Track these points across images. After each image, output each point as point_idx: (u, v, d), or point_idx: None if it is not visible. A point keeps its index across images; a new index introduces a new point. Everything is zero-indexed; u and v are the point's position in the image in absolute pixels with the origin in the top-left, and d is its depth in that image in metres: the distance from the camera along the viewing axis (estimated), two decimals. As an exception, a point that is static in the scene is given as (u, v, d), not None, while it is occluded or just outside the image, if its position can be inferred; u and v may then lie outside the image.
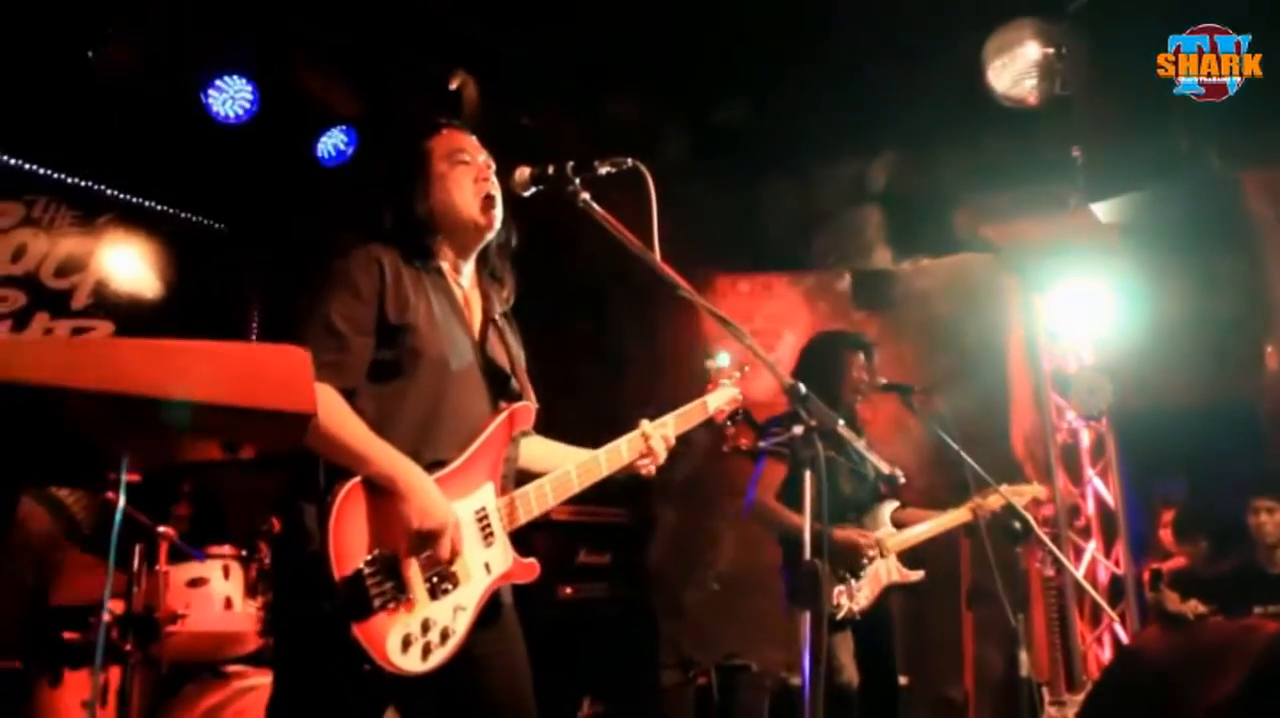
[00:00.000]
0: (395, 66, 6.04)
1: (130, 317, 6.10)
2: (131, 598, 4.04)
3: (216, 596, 4.46)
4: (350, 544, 2.38)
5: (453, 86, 6.07)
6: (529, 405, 2.82)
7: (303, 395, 1.51)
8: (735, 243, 7.34)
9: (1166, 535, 6.42)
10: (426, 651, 2.44)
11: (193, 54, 5.77)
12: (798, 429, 2.50)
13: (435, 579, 2.49)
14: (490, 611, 2.63)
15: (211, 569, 4.49)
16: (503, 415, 2.72)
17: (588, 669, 6.29)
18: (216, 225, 6.61)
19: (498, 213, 2.82)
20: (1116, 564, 6.96)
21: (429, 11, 5.79)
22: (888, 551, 4.73)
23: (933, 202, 6.75)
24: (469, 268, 2.88)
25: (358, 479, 2.41)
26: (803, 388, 2.48)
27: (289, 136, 6.22)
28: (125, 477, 1.80)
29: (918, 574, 4.83)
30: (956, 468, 4.77)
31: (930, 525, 4.86)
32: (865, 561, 4.63)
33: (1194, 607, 5.26)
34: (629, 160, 2.80)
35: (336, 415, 2.45)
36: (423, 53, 6.04)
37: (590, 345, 7.33)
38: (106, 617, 4.07)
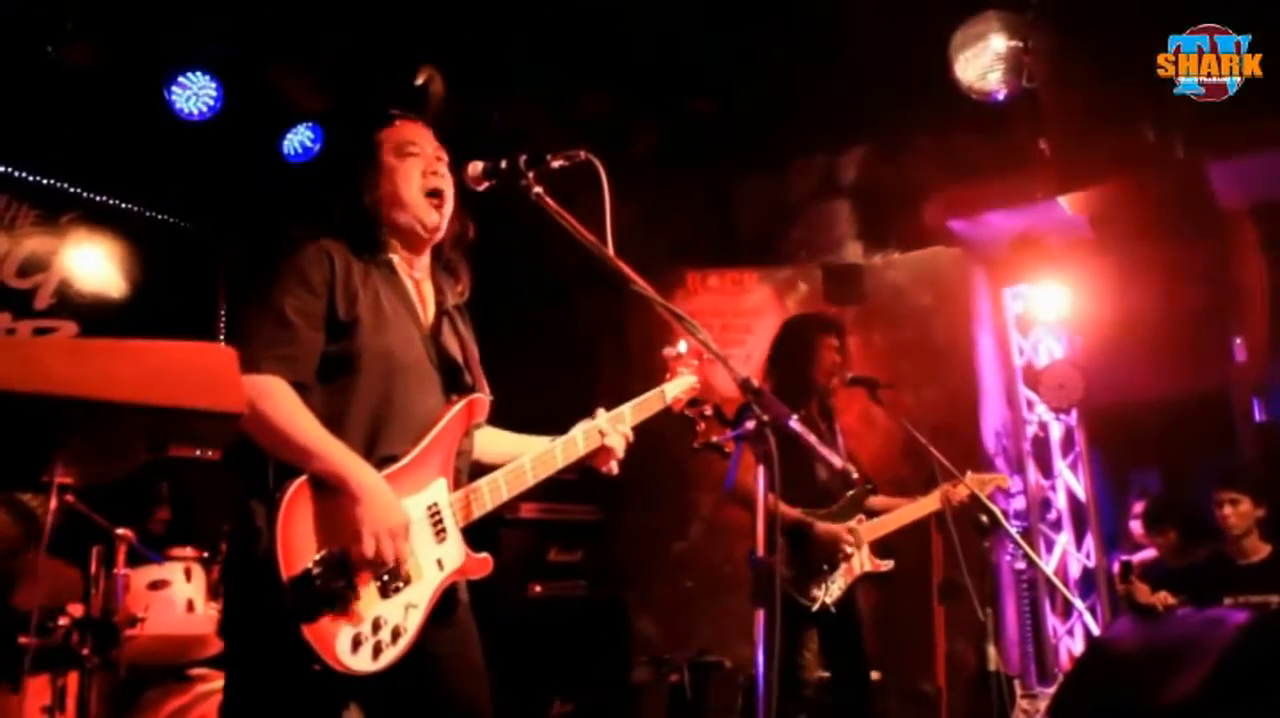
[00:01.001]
0: (361, 62, 5.99)
1: (94, 317, 6.03)
2: (90, 601, 3.99)
3: (178, 598, 4.41)
4: (299, 543, 2.33)
5: (419, 81, 6.02)
6: (482, 398, 2.77)
7: (230, 394, 1.47)
8: (706, 238, 7.33)
9: (1136, 527, 6.43)
10: (377, 650, 2.40)
11: (156, 50, 5.71)
12: (750, 424, 2.47)
13: (386, 578, 2.45)
14: (445, 608, 2.59)
15: (173, 571, 4.44)
16: (455, 408, 2.68)
17: (559, 668, 6.26)
18: (182, 224, 6.54)
19: (446, 206, 2.78)
20: (1088, 557, 6.98)
21: (395, 6, 5.75)
22: (861, 540, 4.74)
23: (902, 195, 6.75)
24: (421, 260, 2.83)
25: (305, 477, 2.36)
26: (754, 382, 2.45)
27: (255, 133, 6.16)
28: (58, 478, 1.75)
29: (888, 564, 4.83)
30: (926, 461, 4.77)
31: (900, 513, 4.87)
32: (843, 555, 4.64)
33: (1164, 598, 5.25)
34: (582, 153, 2.75)
35: (287, 409, 2.40)
36: (389, 48, 5.99)
37: (560, 338, 7.29)
38: (65, 621, 4.03)
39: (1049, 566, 6.73)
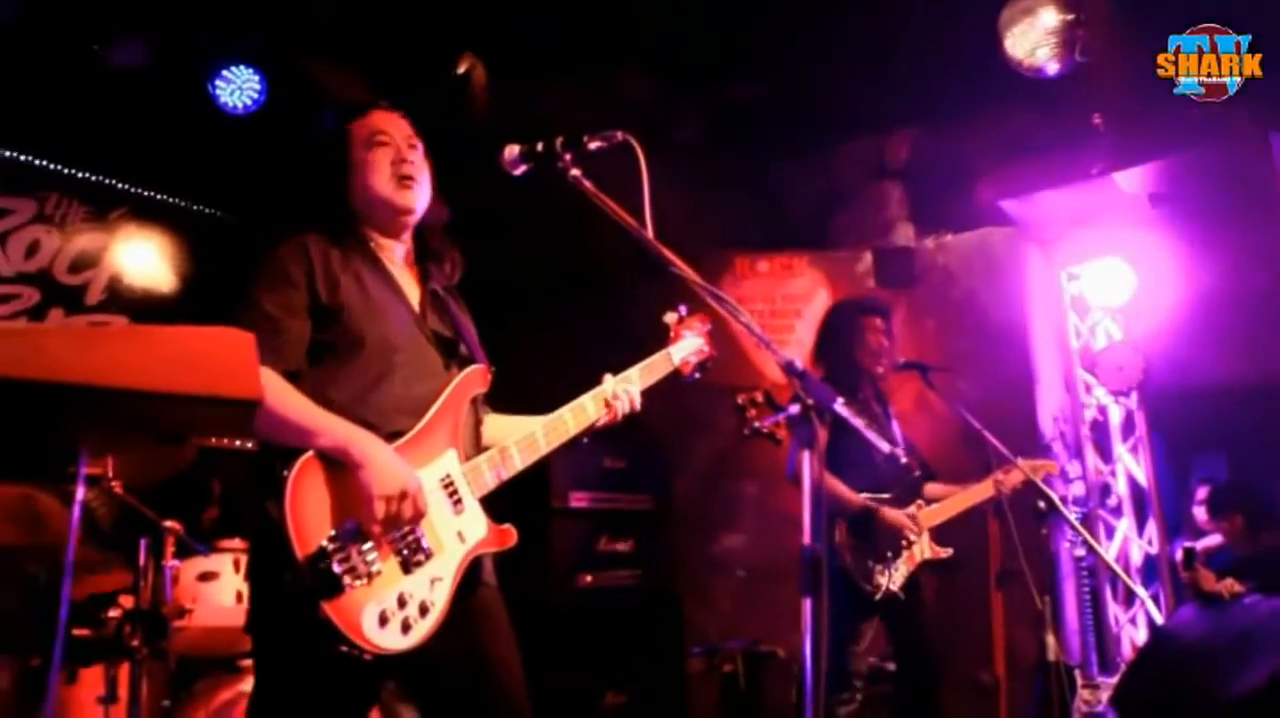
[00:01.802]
0: (403, 51, 5.96)
1: (145, 311, 6.08)
2: (139, 594, 4.01)
3: (227, 589, 4.44)
4: (311, 522, 2.31)
5: (460, 70, 5.98)
6: (481, 368, 2.78)
7: (246, 381, 1.43)
8: (754, 222, 7.23)
9: (1200, 513, 6.26)
10: (406, 626, 2.38)
11: (199, 45, 5.73)
12: (794, 408, 2.41)
13: (406, 552, 2.44)
14: (470, 585, 2.59)
15: (221, 563, 4.47)
16: (456, 380, 2.69)
17: (611, 659, 6.22)
18: (229, 217, 6.57)
19: (417, 193, 2.80)
20: (1150, 543, 6.81)
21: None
22: (922, 527, 4.71)
23: (954, 176, 6.61)
24: (401, 247, 2.86)
25: (310, 454, 2.35)
26: (798, 364, 2.39)
27: (298, 125, 6.17)
28: (84, 469, 1.72)
29: (948, 551, 4.81)
30: (982, 446, 4.69)
31: (956, 500, 4.83)
32: (906, 541, 4.61)
33: (1229, 586, 5.12)
34: (619, 134, 2.73)
35: (279, 395, 2.39)
36: (430, 35, 5.95)
37: (601, 324, 7.24)
38: (115, 612, 4.07)
39: (1109, 552, 6.58)
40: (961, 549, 5.05)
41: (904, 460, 3.32)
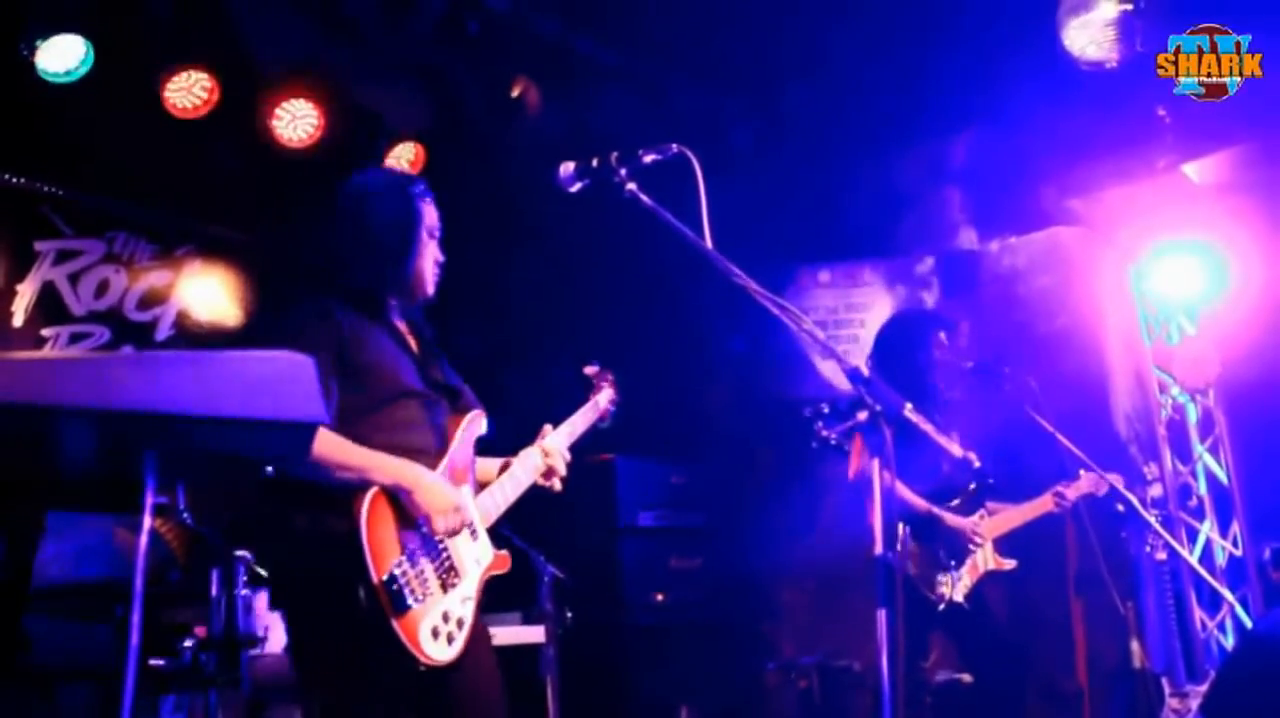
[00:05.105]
0: (459, 75, 6.00)
1: (212, 346, 6.13)
2: (211, 623, 4.07)
3: (300, 617, 4.45)
4: (383, 547, 2.63)
5: (514, 94, 6.01)
6: (482, 413, 3.15)
7: (308, 403, 1.43)
8: (814, 233, 7.17)
9: (1288, 512, 6.07)
10: (450, 639, 2.73)
11: (257, 82, 5.82)
12: (861, 415, 2.37)
13: (444, 573, 2.79)
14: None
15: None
16: (465, 421, 3.07)
17: (685, 676, 6.18)
18: (293, 251, 6.63)
19: None
20: (1235, 545, 6.61)
21: (492, 16, 5.73)
22: (985, 536, 4.61)
23: (1016, 176, 6.49)
24: (406, 309, 3.17)
25: (376, 488, 2.67)
26: (864, 371, 2.35)
27: (357, 156, 6.22)
28: (151, 498, 1.73)
29: (1011, 563, 4.71)
30: (1052, 450, 4.61)
31: (1020, 512, 4.76)
32: (971, 547, 4.53)
33: (1323, 585, 4.97)
34: (674, 147, 2.77)
35: (329, 442, 2.67)
36: (485, 57, 5.98)
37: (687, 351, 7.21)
38: (190, 642, 4.10)
39: (1193, 555, 6.40)
40: (1039, 556, 4.96)
41: (977, 465, 3.27)
